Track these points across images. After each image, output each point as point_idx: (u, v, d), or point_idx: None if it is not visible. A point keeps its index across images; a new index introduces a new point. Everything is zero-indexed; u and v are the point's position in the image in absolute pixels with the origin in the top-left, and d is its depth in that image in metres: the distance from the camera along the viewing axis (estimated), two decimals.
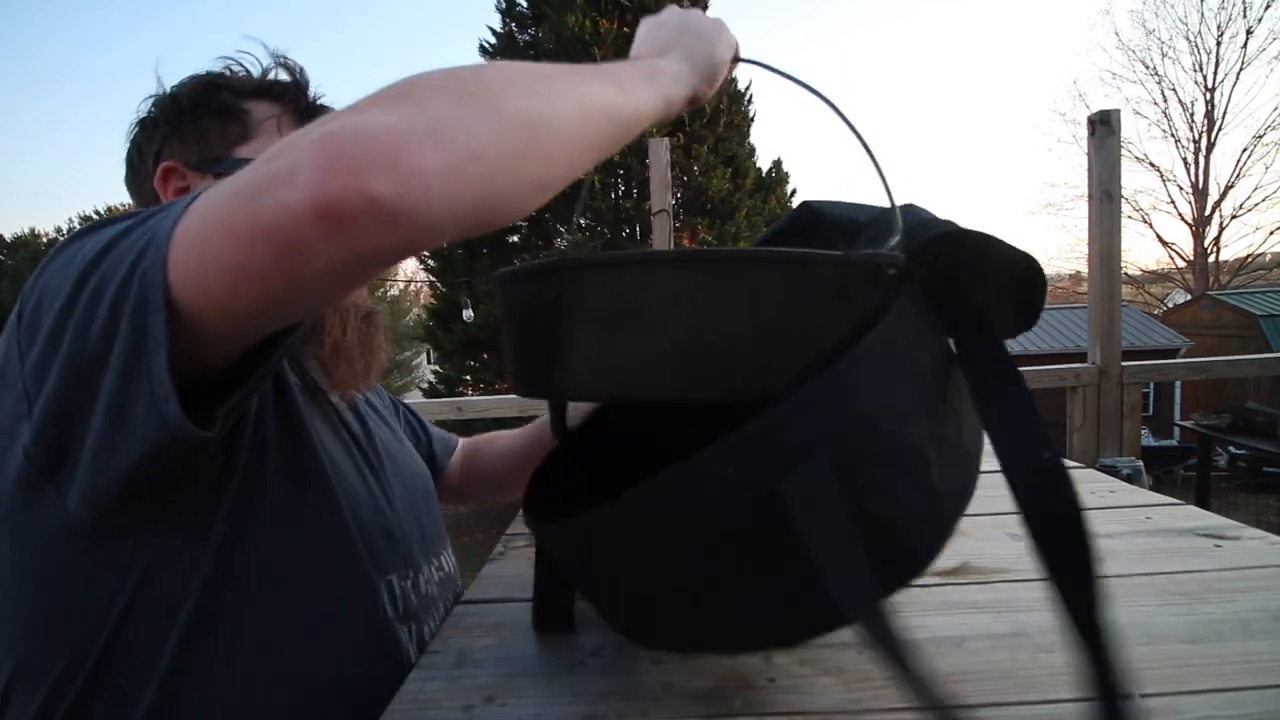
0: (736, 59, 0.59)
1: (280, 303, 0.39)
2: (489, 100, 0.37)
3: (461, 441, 0.97)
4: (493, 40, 9.32)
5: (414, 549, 0.65)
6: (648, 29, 0.57)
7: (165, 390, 0.39)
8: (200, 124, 0.63)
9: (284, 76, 0.68)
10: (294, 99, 0.66)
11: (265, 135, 0.63)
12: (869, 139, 0.50)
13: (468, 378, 9.37)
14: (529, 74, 0.41)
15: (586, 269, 0.39)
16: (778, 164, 9.88)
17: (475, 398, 4.62)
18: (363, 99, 0.37)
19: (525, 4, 9.14)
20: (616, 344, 0.38)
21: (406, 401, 0.95)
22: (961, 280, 0.42)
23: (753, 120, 9.58)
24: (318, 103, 0.68)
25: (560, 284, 0.40)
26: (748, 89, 9.52)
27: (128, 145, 0.66)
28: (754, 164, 9.32)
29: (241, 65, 0.68)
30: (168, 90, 0.65)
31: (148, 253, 0.39)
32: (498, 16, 9.36)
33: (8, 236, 20.19)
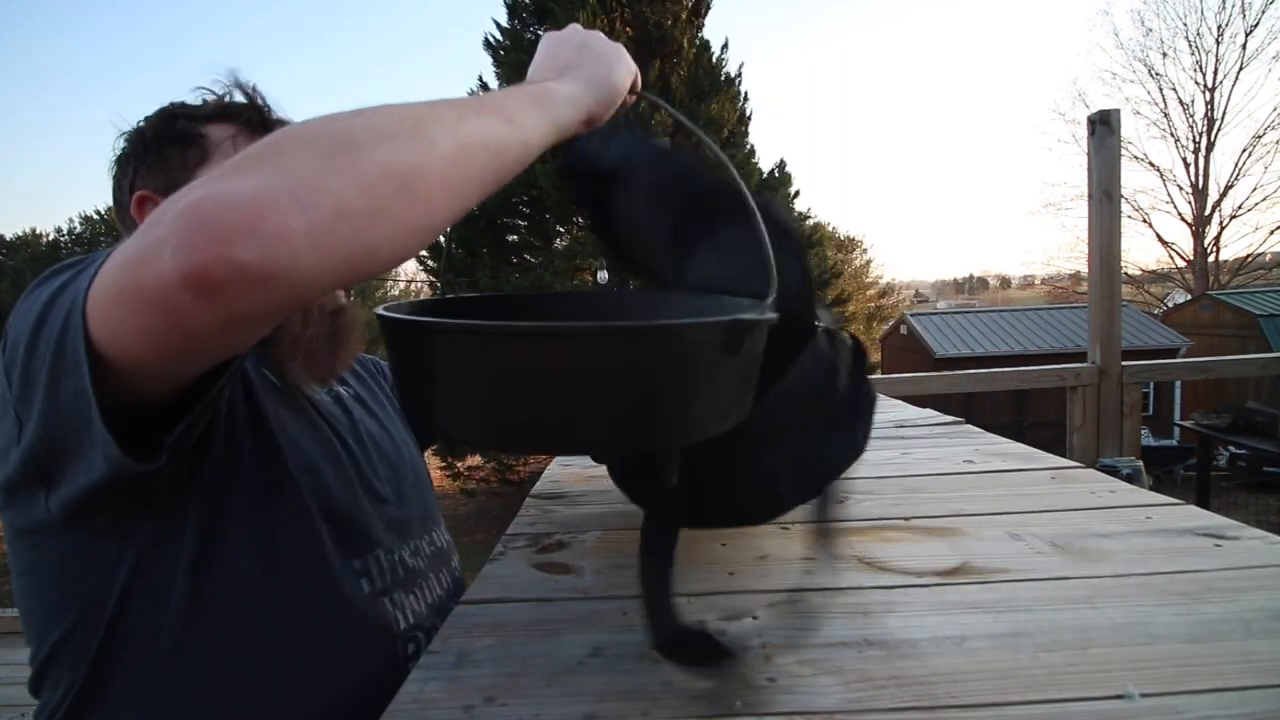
0: (634, 90, 0.58)
1: (186, 355, 0.42)
2: (356, 153, 0.37)
3: None
4: (499, 36, 9.32)
5: (404, 525, 0.72)
6: (548, 45, 0.57)
7: (103, 435, 0.44)
8: (164, 153, 0.66)
9: (240, 98, 0.71)
10: (248, 117, 0.69)
11: (221, 154, 0.66)
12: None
13: None
14: (403, 118, 0.40)
15: (459, 334, 0.40)
16: (780, 165, 9.85)
17: None
18: (233, 159, 0.37)
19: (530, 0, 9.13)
20: (499, 402, 0.40)
21: None
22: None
23: (750, 118, 9.57)
24: (273, 118, 0.70)
25: (433, 344, 0.41)
26: (747, 102, 9.51)
27: (111, 182, 0.70)
28: (755, 165, 9.29)
29: (211, 92, 0.71)
30: (137, 125, 0.69)
31: (73, 313, 0.42)
32: (504, 12, 9.35)
33: (8, 236, 20.21)
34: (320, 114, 0.40)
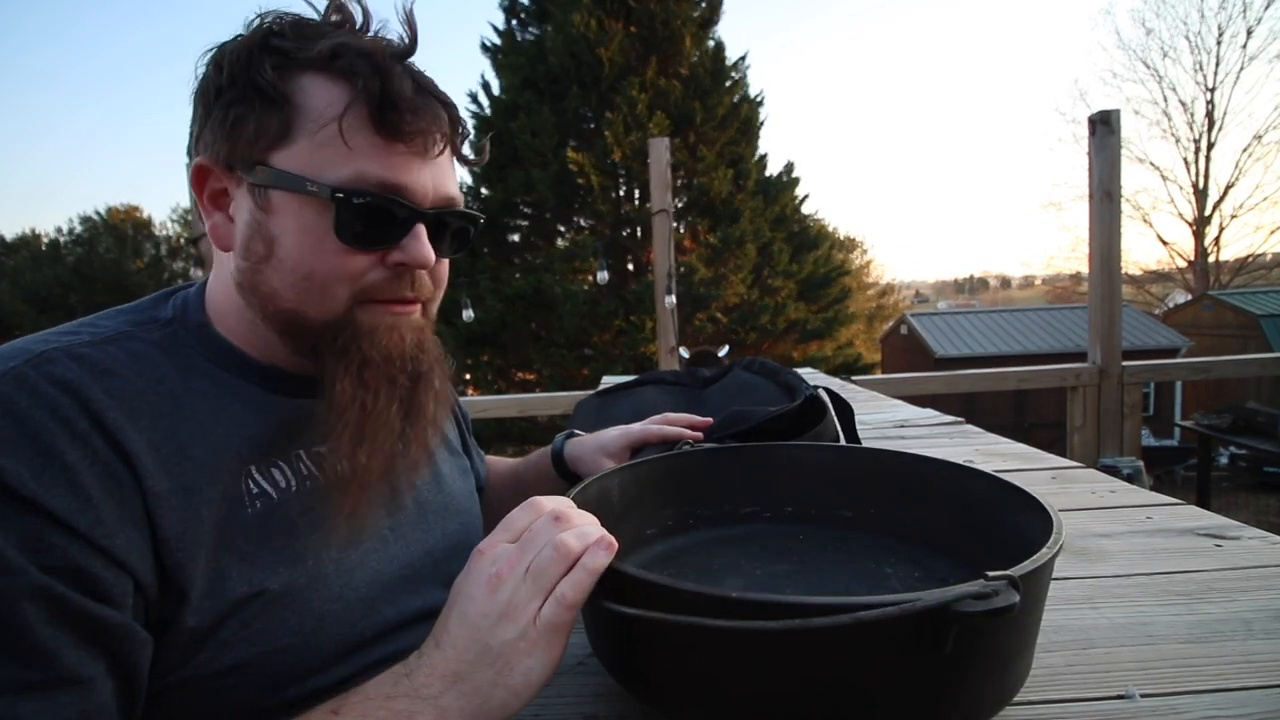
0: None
1: None
2: None
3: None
4: (496, 40, 9.29)
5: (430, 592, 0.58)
6: (457, 627, 0.41)
7: None
8: (235, 107, 0.46)
9: (362, 34, 0.48)
10: (367, 82, 0.45)
11: (314, 139, 0.45)
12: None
13: (468, 376, 9.37)
14: None
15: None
16: (789, 168, 9.78)
17: (476, 397, 4.64)
18: None
19: (529, 1, 9.10)
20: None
21: None
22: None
23: (763, 124, 9.51)
24: (407, 86, 0.45)
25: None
26: (759, 95, 9.49)
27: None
28: (756, 166, 9.27)
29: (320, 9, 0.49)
30: (223, 46, 0.48)
31: None
32: (500, 15, 9.34)
33: (8, 237, 20.19)
34: None
